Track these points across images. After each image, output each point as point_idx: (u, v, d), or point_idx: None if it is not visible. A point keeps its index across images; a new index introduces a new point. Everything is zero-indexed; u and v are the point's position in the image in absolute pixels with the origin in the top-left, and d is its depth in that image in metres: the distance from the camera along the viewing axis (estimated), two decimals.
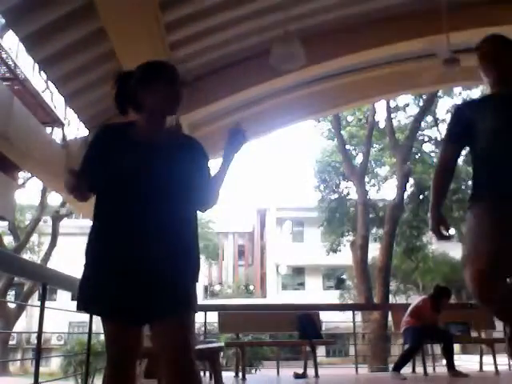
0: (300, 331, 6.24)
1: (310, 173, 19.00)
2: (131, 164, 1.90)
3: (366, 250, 14.19)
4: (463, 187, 15.20)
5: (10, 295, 22.21)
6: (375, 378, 7.59)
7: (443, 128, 20.77)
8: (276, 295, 25.92)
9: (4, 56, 7.19)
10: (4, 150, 5.17)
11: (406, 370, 5.77)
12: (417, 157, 17.01)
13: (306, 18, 5.04)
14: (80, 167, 1.94)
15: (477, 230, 2.22)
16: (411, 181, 15.95)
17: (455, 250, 18.26)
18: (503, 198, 2.18)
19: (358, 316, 11.95)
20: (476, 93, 15.42)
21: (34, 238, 21.44)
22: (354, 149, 17.63)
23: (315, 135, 30.76)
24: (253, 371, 13.32)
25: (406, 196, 15.19)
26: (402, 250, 16.53)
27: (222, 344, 5.44)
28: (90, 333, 4.60)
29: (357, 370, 6.75)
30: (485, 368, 6.50)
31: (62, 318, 13.44)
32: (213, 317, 6.61)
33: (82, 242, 1.94)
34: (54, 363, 17.12)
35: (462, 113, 2.47)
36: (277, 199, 28.46)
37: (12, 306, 17.53)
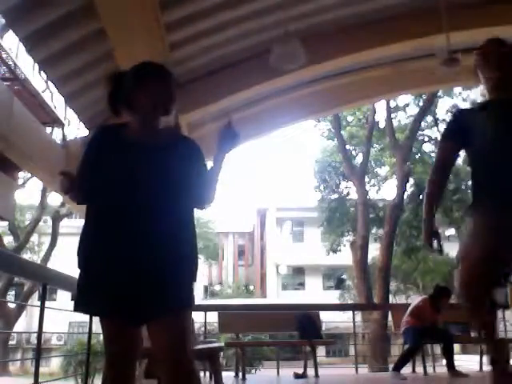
0: (300, 331, 6.24)
1: (310, 173, 19.01)
2: (124, 165, 1.91)
3: (366, 250, 14.19)
4: (463, 187, 15.20)
5: (10, 295, 22.20)
6: (375, 378, 7.59)
7: (443, 128, 20.78)
8: (276, 295, 25.92)
9: (4, 56, 7.19)
10: (4, 150, 5.18)
11: (406, 370, 5.77)
12: (417, 157, 17.00)
13: (306, 18, 5.03)
14: (78, 170, 1.96)
15: (474, 234, 2.23)
16: (411, 181, 15.95)
17: (455, 250, 18.26)
18: (504, 206, 2.17)
19: (358, 316, 11.95)
20: (476, 93, 15.42)
21: (34, 238, 21.43)
22: (354, 149, 17.62)
23: (315, 135, 30.79)
24: (253, 371, 13.31)
25: (406, 196, 15.19)
26: (402, 250, 16.52)
27: (222, 344, 5.45)
28: (90, 333, 4.60)
29: (357, 370, 6.75)
30: (485, 368, 6.49)
31: (61, 318, 13.44)
32: (213, 317, 6.61)
33: (79, 242, 1.94)
34: (54, 363, 17.11)
35: (460, 116, 2.47)
36: (277, 199, 28.48)
37: (12, 306, 17.53)
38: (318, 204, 18.57)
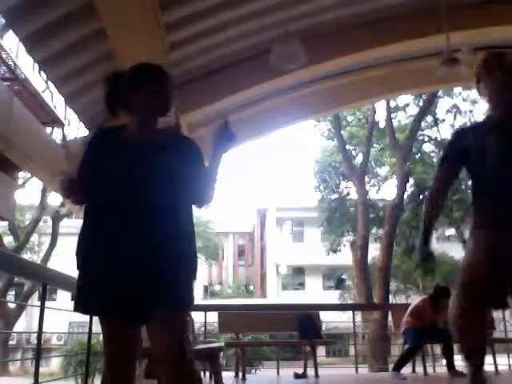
0: (300, 331, 6.24)
1: (310, 173, 19.01)
2: (123, 165, 1.91)
3: (366, 250, 14.19)
4: (463, 187, 15.20)
5: (10, 295, 22.20)
6: (375, 378, 7.59)
7: (443, 128, 20.80)
8: (276, 295, 25.92)
9: (4, 56, 7.19)
10: (4, 150, 5.18)
11: (406, 370, 5.77)
12: (417, 157, 17.01)
13: (305, 18, 5.03)
14: (78, 170, 1.97)
15: (474, 254, 2.21)
16: (411, 181, 15.96)
17: (455, 250, 18.28)
18: (504, 227, 2.15)
19: (358, 316, 11.95)
20: (476, 93, 15.39)
21: (34, 238, 21.43)
22: (354, 149, 17.62)
23: (315, 135, 30.81)
24: (253, 371, 13.31)
25: (406, 196, 15.20)
26: (402, 250, 16.53)
27: (222, 344, 5.45)
28: (90, 333, 4.60)
29: (357, 370, 6.75)
30: (485, 368, 6.49)
31: (61, 318, 13.44)
32: (213, 317, 6.61)
33: (77, 242, 1.94)
34: (54, 363, 17.11)
35: (462, 135, 2.41)
36: (277, 199, 28.48)
37: (12, 306, 17.52)
38: (318, 204, 18.57)
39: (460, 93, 16.64)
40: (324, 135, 18.10)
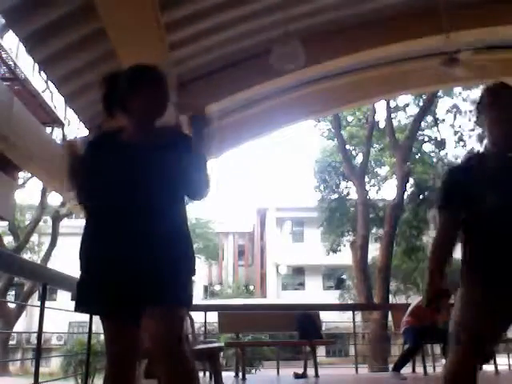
0: (300, 331, 6.24)
1: (310, 173, 19.01)
2: (122, 166, 1.93)
3: (365, 250, 14.19)
4: None
5: (10, 295, 22.20)
6: (375, 378, 7.59)
7: (443, 128, 20.78)
8: (276, 295, 25.92)
9: (4, 56, 7.19)
10: (4, 150, 5.18)
11: (406, 370, 5.77)
12: (417, 157, 17.00)
13: (306, 18, 5.03)
14: (78, 168, 1.98)
15: (468, 314, 2.08)
16: (411, 181, 15.95)
17: (455, 250, 18.24)
18: (497, 287, 2.01)
19: (358, 316, 11.96)
20: (476, 93, 15.42)
21: (34, 238, 21.42)
22: (354, 149, 17.62)
23: (315, 135, 30.81)
24: (253, 371, 13.32)
25: (406, 196, 15.19)
26: (402, 250, 16.53)
27: (222, 344, 5.45)
28: (90, 333, 4.60)
29: (357, 370, 6.75)
30: (485, 368, 6.49)
31: (62, 318, 13.42)
32: (213, 317, 6.61)
33: (80, 243, 1.95)
34: (54, 363, 17.11)
35: (455, 178, 2.17)
36: (277, 199, 28.48)
37: (12, 306, 17.52)
38: (318, 204, 18.57)
39: (460, 93, 16.64)
40: (324, 135, 18.10)
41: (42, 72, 5.84)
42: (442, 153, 17.24)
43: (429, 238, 16.80)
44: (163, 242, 1.86)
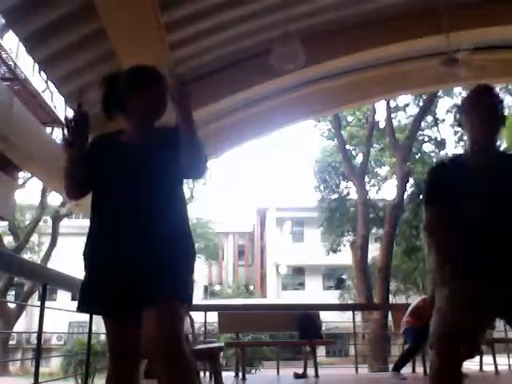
0: (300, 331, 6.24)
1: (310, 173, 19.02)
2: (121, 168, 1.94)
3: (365, 250, 14.18)
4: None
5: (10, 295, 22.20)
6: (375, 378, 7.59)
7: (443, 128, 20.74)
8: (276, 295, 25.92)
9: (4, 56, 7.19)
10: (4, 150, 5.17)
11: (406, 370, 5.77)
12: (417, 157, 17.00)
13: (306, 18, 5.03)
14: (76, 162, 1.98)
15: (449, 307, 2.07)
16: (411, 181, 15.95)
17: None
18: (469, 280, 2.03)
19: (358, 316, 11.95)
20: None
21: (34, 238, 21.43)
22: (354, 149, 17.63)
23: (315, 135, 30.82)
24: (253, 371, 13.32)
25: (406, 196, 15.20)
26: (402, 250, 16.53)
27: (222, 344, 5.45)
28: (90, 333, 4.60)
29: (357, 370, 6.75)
30: (485, 368, 6.50)
31: (62, 318, 13.44)
32: (213, 317, 6.61)
33: (82, 242, 1.96)
34: (54, 363, 17.12)
35: (438, 174, 2.22)
36: (277, 199, 28.48)
37: (12, 306, 17.53)
38: (318, 204, 18.57)
39: (460, 93, 16.63)
40: (324, 135, 18.11)
41: (41, 72, 5.83)
42: (442, 153, 17.25)
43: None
44: (163, 242, 1.86)
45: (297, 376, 5.94)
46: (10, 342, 19.49)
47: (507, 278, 2.01)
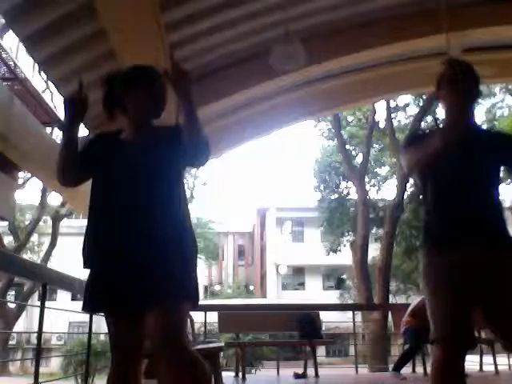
0: (300, 331, 6.24)
1: (310, 173, 19.02)
2: (119, 166, 1.94)
3: (365, 250, 14.18)
4: None
5: (10, 295, 22.20)
6: (375, 377, 7.59)
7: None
8: (276, 295, 25.92)
9: (4, 56, 7.19)
10: (4, 150, 5.17)
11: (406, 370, 5.77)
12: None
13: (306, 18, 5.03)
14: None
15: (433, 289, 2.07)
16: (411, 181, 15.94)
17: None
18: (449, 254, 2.03)
19: (358, 316, 11.95)
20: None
21: (34, 238, 21.43)
22: (354, 149, 17.63)
23: (315, 135, 30.82)
24: (253, 371, 13.31)
25: (406, 196, 15.20)
26: (402, 250, 16.53)
27: (222, 344, 5.45)
28: (90, 333, 4.60)
29: (357, 370, 6.76)
30: (485, 368, 6.50)
31: (62, 318, 13.44)
32: (213, 317, 6.61)
33: (82, 242, 1.95)
34: (54, 363, 17.11)
35: (417, 138, 2.32)
36: (277, 199, 28.47)
37: (12, 306, 17.53)
38: (318, 204, 18.57)
39: None
40: (324, 135, 18.11)
41: (41, 72, 5.84)
42: None
43: None
44: (164, 241, 1.86)
45: (297, 376, 5.94)
46: (10, 342, 19.49)
47: (483, 260, 2.00)
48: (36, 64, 5.60)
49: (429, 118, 16.91)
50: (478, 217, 2.06)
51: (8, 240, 18.96)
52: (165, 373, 1.80)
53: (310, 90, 6.31)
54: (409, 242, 16.16)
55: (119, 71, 2.12)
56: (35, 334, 4.02)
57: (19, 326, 19.05)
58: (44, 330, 3.58)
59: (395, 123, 16.36)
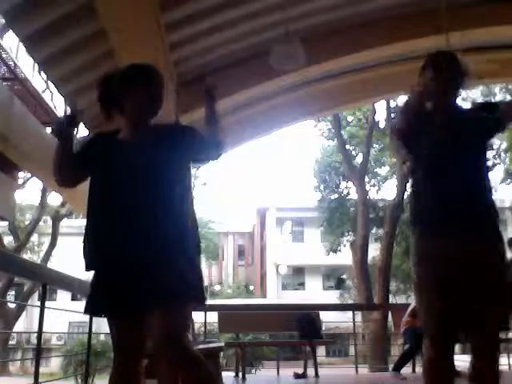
0: (300, 331, 6.24)
1: (310, 173, 19.02)
2: (118, 166, 1.93)
3: (365, 250, 14.19)
4: None
5: (10, 295, 22.20)
6: (375, 377, 7.59)
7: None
8: (276, 295, 25.92)
9: (4, 56, 7.19)
10: (4, 150, 5.17)
11: (406, 370, 5.77)
12: None
13: (306, 18, 5.03)
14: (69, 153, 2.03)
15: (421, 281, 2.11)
16: (411, 181, 15.95)
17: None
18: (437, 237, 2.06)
19: (358, 316, 11.95)
20: (476, 93, 15.43)
21: (34, 238, 21.42)
22: (354, 149, 17.63)
23: (315, 135, 30.82)
24: (253, 371, 13.31)
25: (406, 196, 15.20)
26: (402, 250, 16.54)
27: (222, 344, 5.45)
28: (90, 333, 4.60)
29: (357, 370, 6.76)
30: None
31: (62, 318, 13.44)
32: (213, 317, 6.61)
33: (82, 242, 1.95)
34: (54, 363, 17.11)
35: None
36: (277, 199, 28.46)
37: (12, 306, 17.53)
38: (318, 204, 18.58)
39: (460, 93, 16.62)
40: (324, 135, 18.11)
41: (41, 72, 5.84)
42: None
43: None
44: (164, 241, 1.85)
45: (297, 376, 5.94)
46: (10, 342, 19.49)
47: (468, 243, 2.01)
48: (36, 64, 5.60)
49: None
50: (465, 208, 2.06)
51: (8, 240, 18.96)
52: (166, 373, 1.80)
53: (309, 90, 6.31)
54: (409, 242, 16.13)
55: (117, 70, 2.11)
56: (35, 334, 4.02)
57: (19, 326, 19.05)
58: (44, 330, 3.58)
59: None
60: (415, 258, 2.15)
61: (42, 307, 3.55)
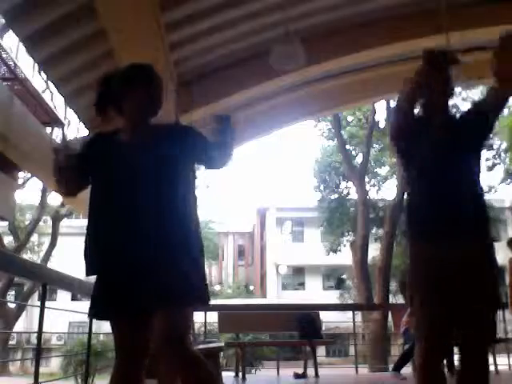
0: (300, 331, 6.24)
1: (310, 173, 19.02)
2: (118, 167, 1.93)
3: (365, 250, 14.19)
4: None
5: (10, 295, 22.20)
6: (375, 377, 7.59)
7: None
8: (276, 295, 25.91)
9: (4, 56, 7.18)
10: (4, 150, 5.17)
11: (406, 370, 5.77)
12: None
13: (306, 18, 5.04)
14: (69, 163, 1.99)
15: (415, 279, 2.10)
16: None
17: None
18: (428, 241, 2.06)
19: (358, 316, 11.96)
20: (476, 93, 15.42)
21: (34, 238, 21.42)
22: (354, 149, 17.62)
23: (315, 135, 30.81)
24: (253, 371, 13.31)
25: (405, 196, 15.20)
26: (402, 250, 16.53)
27: (222, 344, 5.45)
28: (90, 333, 4.59)
29: (357, 370, 6.75)
30: None
31: (62, 318, 13.44)
32: (213, 317, 6.61)
33: (82, 241, 1.94)
34: (54, 363, 17.11)
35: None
36: (277, 199, 28.46)
37: (12, 306, 17.52)
38: (318, 204, 18.57)
39: (460, 93, 16.64)
40: (324, 135, 18.11)
41: (41, 72, 5.83)
42: None
43: None
44: (166, 241, 1.84)
45: (297, 376, 5.94)
46: (10, 342, 19.49)
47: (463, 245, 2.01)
48: (36, 64, 5.60)
49: None
50: (457, 210, 2.06)
51: (8, 240, 18.96)
52: (166, 373, 1.80)
53: (309, 90, 6.32)
54: None
55: (117, 71, 2.11)
56: (35, 334, 4.01)
57: (19, 326, 19.04)
58: (44, 330, 3.58)
59: None
60: (407, 259, 2.15)
61: (42, 307, 3.55)
